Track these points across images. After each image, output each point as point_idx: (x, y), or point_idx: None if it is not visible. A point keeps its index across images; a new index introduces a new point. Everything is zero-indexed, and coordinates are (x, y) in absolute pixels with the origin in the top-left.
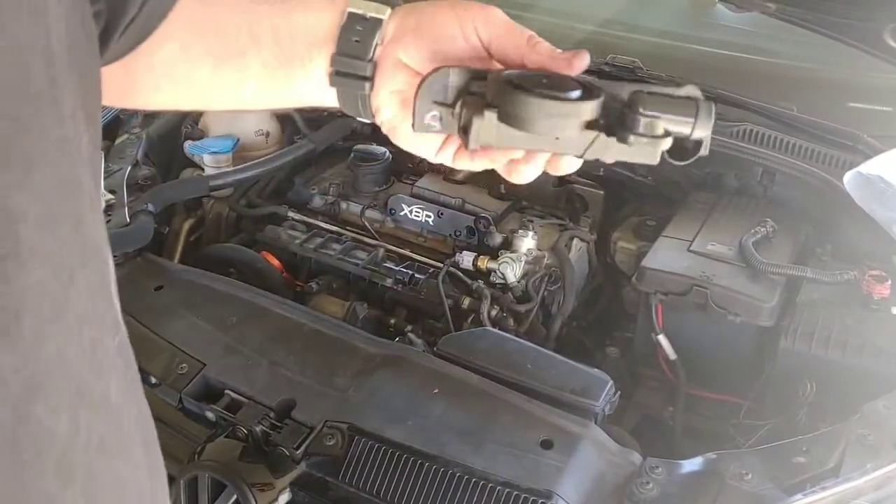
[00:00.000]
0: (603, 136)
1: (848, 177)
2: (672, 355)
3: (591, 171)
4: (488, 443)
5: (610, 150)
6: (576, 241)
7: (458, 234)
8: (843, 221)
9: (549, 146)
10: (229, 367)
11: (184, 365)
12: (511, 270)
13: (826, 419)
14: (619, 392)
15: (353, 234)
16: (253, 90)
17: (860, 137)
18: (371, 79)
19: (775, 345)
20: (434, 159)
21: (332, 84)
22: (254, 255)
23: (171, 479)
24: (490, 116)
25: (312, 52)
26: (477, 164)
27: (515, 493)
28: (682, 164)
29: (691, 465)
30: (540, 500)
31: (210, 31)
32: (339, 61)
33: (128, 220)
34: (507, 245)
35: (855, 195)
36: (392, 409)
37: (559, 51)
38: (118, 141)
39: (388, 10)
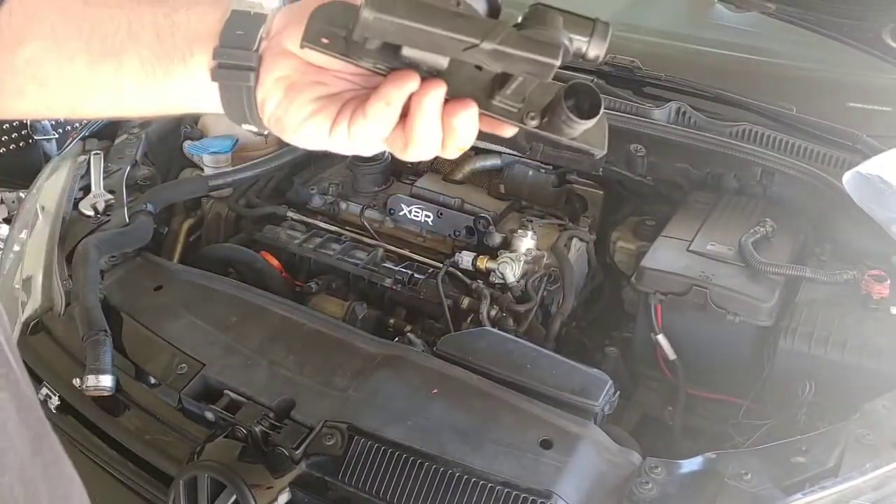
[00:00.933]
0: (503, 27)
1: (847, 177)
2: (671, 355)
3: (591, 171)
4: (488, 443)
5: (510, 41)
6: (575, 240)
7: (457, 234)
8: (842, 221)
9: (445, 43)
10: (229, 367)
11: (183, 365)
12: (510, 270)
13: (825, 419)
14: (618, 392)
15: (353, 234)
16: (130, 91)
17: (859, 137)
18: (256, 69)
19: (774, 345)
20: (329, 141)
21: (215, 78)
22: (253, 255)
23: (171, 480)
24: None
25: (193, 47)
26: (371, 129)
27: (515, 492)
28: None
29: (691, 464)
30: (539, 500)
31: (86, 28)
32: (222, 53)
33: (127, 220)
34: (507, 245)
35: (854, 195)
36: (391, 409)
37: None
38: (117, 141)
39: (274, 6)
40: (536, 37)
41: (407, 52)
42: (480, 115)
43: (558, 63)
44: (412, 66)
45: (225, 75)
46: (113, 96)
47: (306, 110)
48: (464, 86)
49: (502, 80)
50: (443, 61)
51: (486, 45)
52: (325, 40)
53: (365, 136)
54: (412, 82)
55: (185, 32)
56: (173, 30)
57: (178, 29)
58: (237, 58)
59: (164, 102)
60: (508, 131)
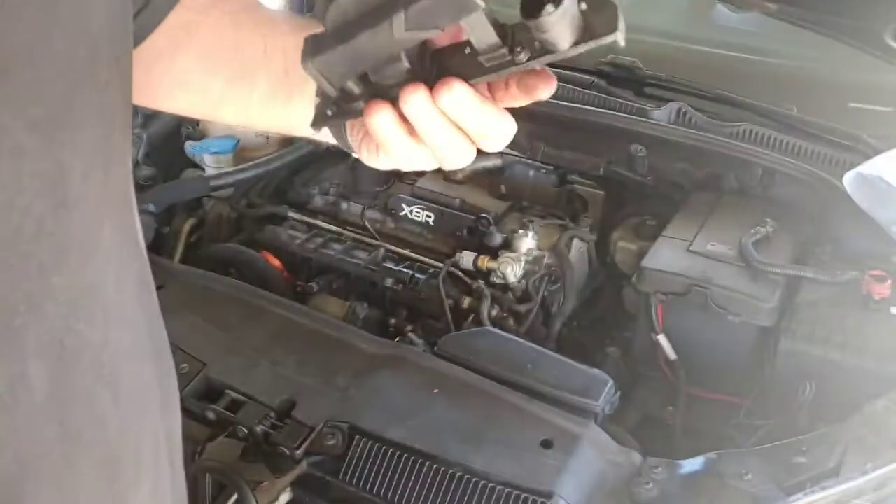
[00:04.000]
0: None
1: (848, 177)
2: (672, 355)
3: (592, 171)
4: (488, 443)
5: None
6: (576, 241)
7: (458, 234)
8: (843, 222)
9: (377, 44)
10: (230, 367)
11: (184, 365)
12: (511, 270)
13: (826, 419)
14: (618, 392)
15: (354, 234)
16: (257, 108)
17: (860, 138)
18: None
19: (775, 345)
20: (386, 161)
21: None
22: (254, 255)
23: None
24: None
25: (309, 81)
26: (393, 155)
27: (516, 493)
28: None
29: (691, 465)
30: (540, 500)
31: (231, 49)
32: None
33: None
34: (508, 245)
35: (855, 195)
36: (392, 409)
37: None
38: None
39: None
40: None
41: (372, 76)
42: (482, 85)
43: None
44: (390, 85)
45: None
46: (243, 111)
47: (358, 137)
48: (449, 72)
49: (466, 44)
50: (402, 64)
51: (397, 19)
52: (329, 112)
53: (394, 160)
54: (380, 110)
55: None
56: (297, 59)
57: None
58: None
59: (287, 122)
60: (538, 88)
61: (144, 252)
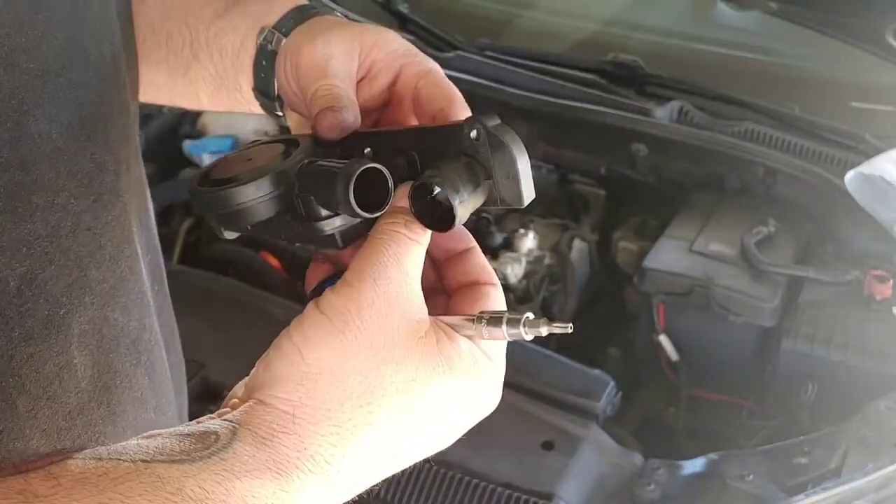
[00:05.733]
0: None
1: (849, 177)
2: (674, 356)
3: (593, 170)
4: (489, 444)
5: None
6: (577, 241)
7: None
8: (845, 222)
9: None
10: (228, 368)
11: None
12: (512, 270)
13: (827, 420)
14: (620, 393)
15: None
16: (206, 99)
17: (862, 137)
18: (282, 113)
19: (777, 345)
20: None
21: (265, 112)
22: (253, 256)
23: None
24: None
25: (240, 79)
26: None
27: (516, 494)
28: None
29: (693, 465)
30: (541, 502)
31: (163, 41)
32: (257, 95)
33: None
34: (508, 245)
35: (857, 195)
36: None
37: (328, 103)
38: None
39: (283, 42)
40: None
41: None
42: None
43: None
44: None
45: (268, 113)
46: (195, 102)
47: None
48: None
49: None
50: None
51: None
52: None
53: None
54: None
55: (231, 60)
56: (223, 54)
57: (226, 55)
58: (266, 105)
59: (239, 109)
60: None
61: (158, 242)
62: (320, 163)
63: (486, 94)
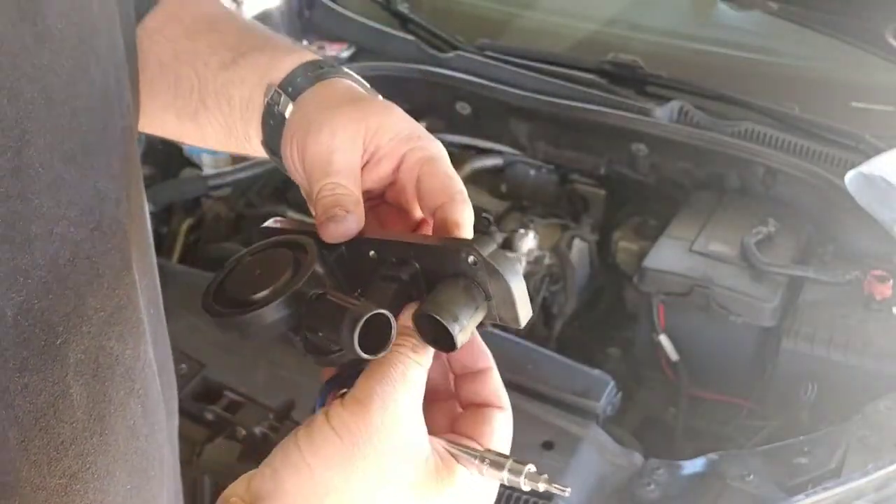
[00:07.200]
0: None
1: (850, 177)
2: (674, 356)
3: (593, 170)
4: None
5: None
6: (577, 240)
7: None
8: (845, 222)
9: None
10: (228, 368)
11: (183, 365)
12: None
13: (827, 420)
14: (620, 393)
15: None
16: (216, 144)
17: (862, 137)
18: (286, 169)
19: (777, 345)
20: None
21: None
22: None
23: None
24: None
25: (249, 131)
26: None
27: (517, 494)
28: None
29: (693, 466)
30: (541, 502)
31: (171, 84)
32: (266, 148)
33: None
34: (508, 245)
35: (857, 195)
36: None
37: (332, 211)
38: None
39: (290, 106)
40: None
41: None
42: None
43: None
44: None
45: (279, 166)
46: (203, 142)
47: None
48: None
49: None
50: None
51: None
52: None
53: None
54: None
55: (240, 112)
56: (231, 105)
57: (234, 106)
58: (276, 161)
59: (252, 155)
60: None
61: (155, 263)
62: (329, 297)
63: (486, 94)
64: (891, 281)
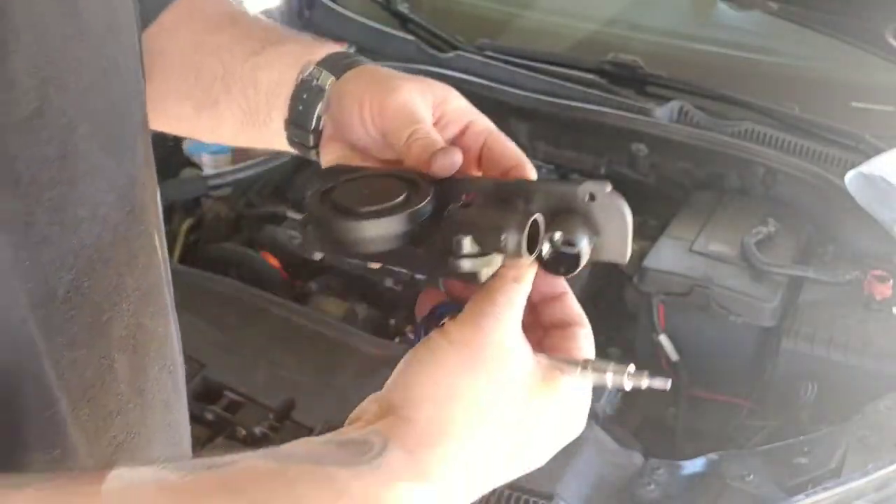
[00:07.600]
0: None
1: (850, 177)
2: (674, 356)
3: (593, 170)
4: None
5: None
6: None
7: None
8: (845, 222)
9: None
10: (228, 368)
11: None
12: None
13: (827, 420)
14: (620, 393)
15: None
16: (230, 134)
17: (862, 137)
18: (316, 147)
19: (777, 345)
20: None
21: (290, 146)
22: (253, 256)
23: None
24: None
25: (272, 112)
26: None
27: (516, 494)
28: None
29: (693, 465)
30: (541, 502)
31: (192, 75)
32: (289, 127)
33: None
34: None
35: (857, 195)
36: None
37: (433, 149)
38: None
39: (330, 79)
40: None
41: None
42: None
43: None
44: None
45: (296, 146)
46: (215, 135)
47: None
48: None
49: None
50: None
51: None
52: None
53: None
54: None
55: (266, 94)
56: (257, 88)
57: (261, 88)
58: (300, 136)
59: (262, 144)
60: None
61: (166, 247)
62: (479, 206)
63: (486, 94)
64: (891, 281)
